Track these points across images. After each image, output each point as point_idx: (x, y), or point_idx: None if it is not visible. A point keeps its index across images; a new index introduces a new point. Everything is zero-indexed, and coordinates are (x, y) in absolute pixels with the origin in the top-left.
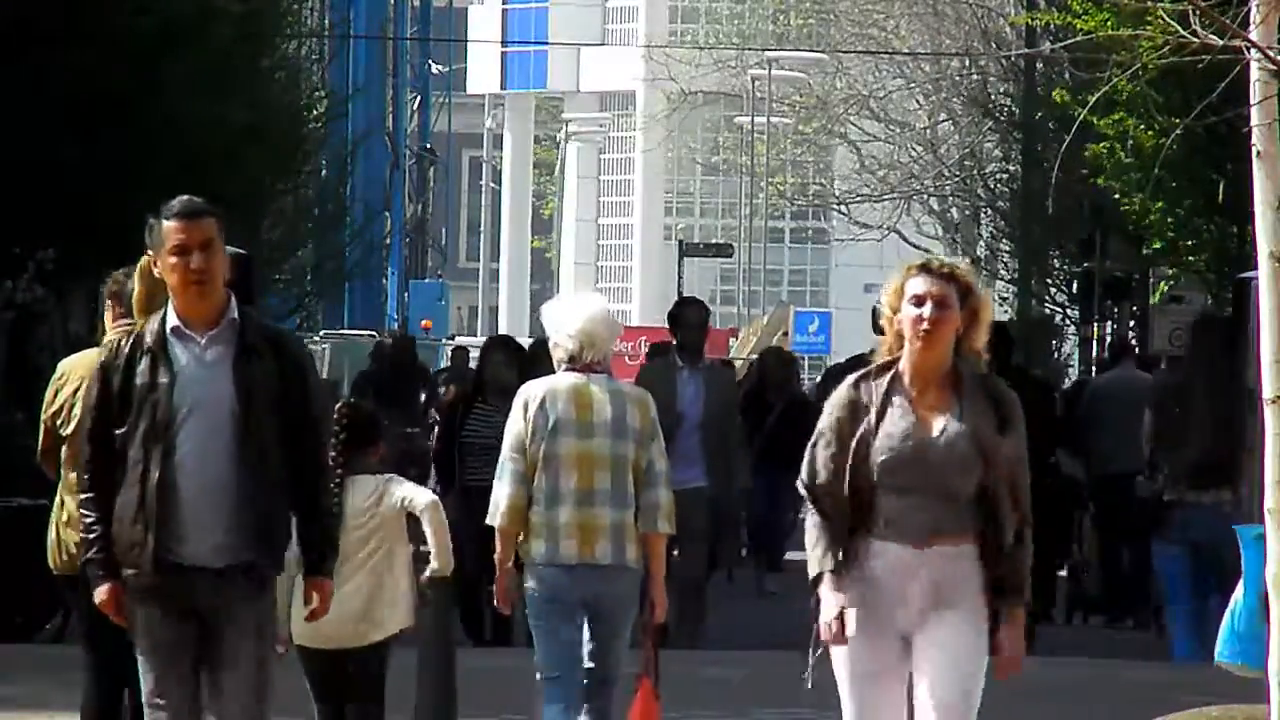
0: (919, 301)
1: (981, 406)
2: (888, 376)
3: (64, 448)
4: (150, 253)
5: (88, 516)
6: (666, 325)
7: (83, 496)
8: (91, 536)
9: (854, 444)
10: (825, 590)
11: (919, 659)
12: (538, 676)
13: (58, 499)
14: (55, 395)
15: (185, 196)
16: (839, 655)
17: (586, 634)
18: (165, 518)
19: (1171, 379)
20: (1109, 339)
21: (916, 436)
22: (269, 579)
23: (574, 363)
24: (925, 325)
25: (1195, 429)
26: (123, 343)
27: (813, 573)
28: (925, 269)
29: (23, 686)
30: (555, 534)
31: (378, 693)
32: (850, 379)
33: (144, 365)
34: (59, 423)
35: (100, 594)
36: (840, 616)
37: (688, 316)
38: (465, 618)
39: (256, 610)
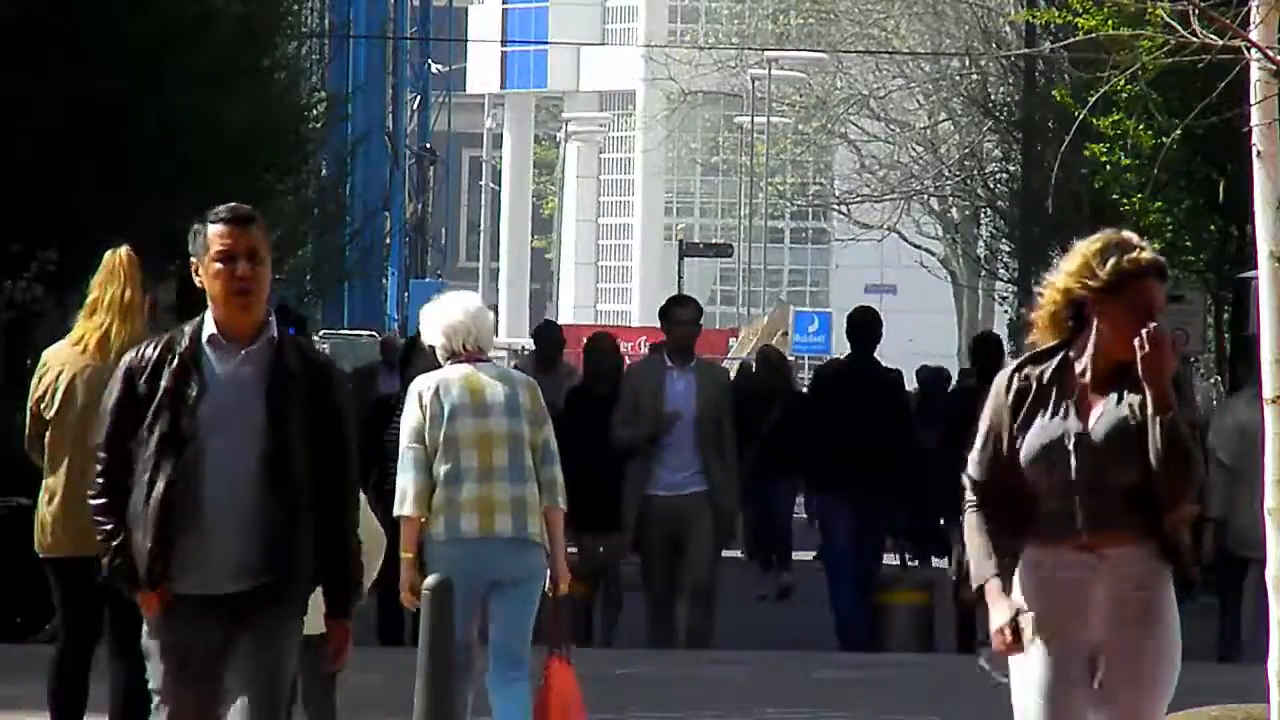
0: (1148, 311)
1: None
2: (1053, 364)
3: (47, 433)
4: (193, 259)
5: (105, 524)
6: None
7: (96, 503)
8: (113, 545)
9: (1013, 438)
10: (992, 597)
11: (1109, 681)
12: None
13: (44, 483)
14: (39, 382)
15: (233, 203)
16: (1019, 676)
17: (494, 610)
18: (175, 533)
19: None
20: None
21: (1076, 428)
22: (293, 600)
23: (455, 356)
24: (1148, 344)
25: None
26: (149, 347)
27: (975, 582)
28: (1157, 272)
29: (23, 686)
30: (456, 511)
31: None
32: (1012, 365)
33: (172, 371)
34: (43, 408)
35: (144, 604)
36: (1014, 623)
37: (678, 315)
38: (384, 621)
39: (278, 630)
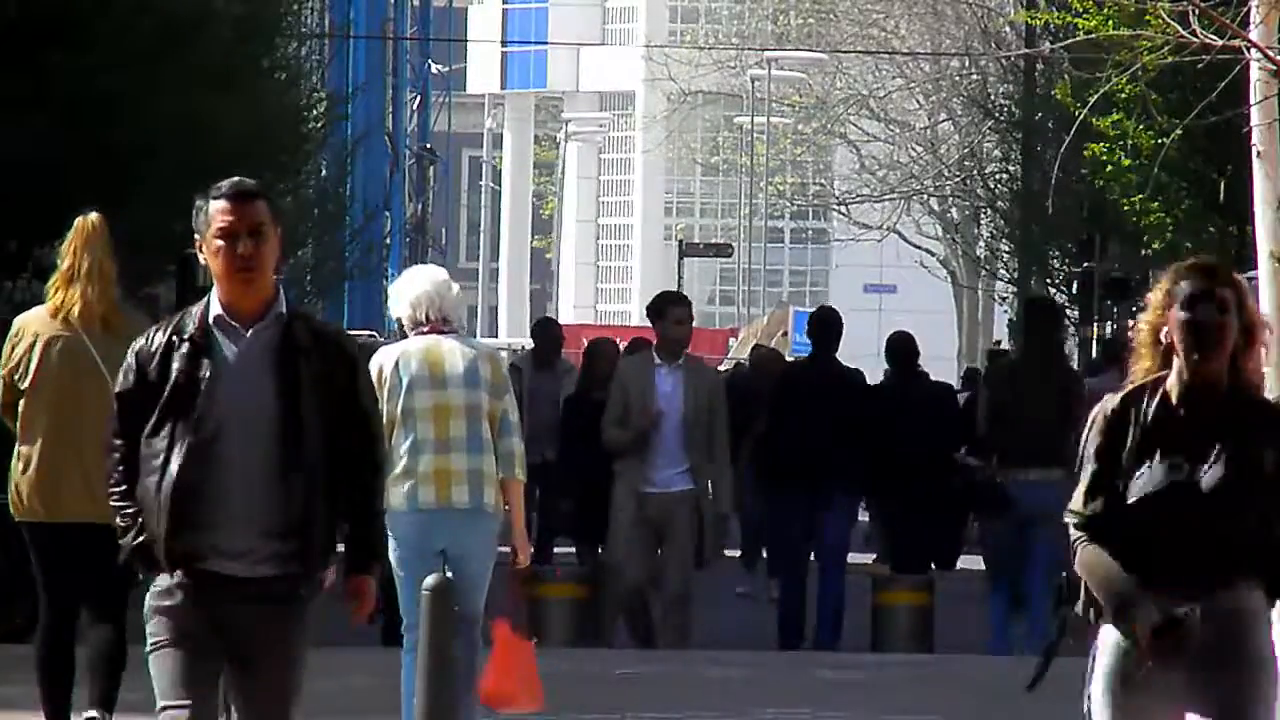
0: (1192, 303)
1: (1264, 436)
2: (1157, 397)
3: (22, 401)
4: (196, 236)
5: (126, 511)
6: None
7: (116, 492)
8: (133, 530)
9: (1121, 477)
10: (1140, 601)
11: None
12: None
13: (17, 449)
14: (12, 350)
15: (236, 178)
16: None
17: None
18: (188, 518)
19: (1005, 361)
20: (1107, 339)
21: (1183, 471)
22: (308, 591)
23: (419, 326)
24: (1198, 331)
25: (1028, 409)
26: (158, 331)
27: (1113, 598)
28: (1198, 270)
29: (23, 687)
30: (414, 481)
31: None
32: (1117, 397)
33: (182, 355)
34: (16, 377)
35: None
36: (1172, 622)
37: (676, 314)
38: (387, 624)
39: (292, 623)
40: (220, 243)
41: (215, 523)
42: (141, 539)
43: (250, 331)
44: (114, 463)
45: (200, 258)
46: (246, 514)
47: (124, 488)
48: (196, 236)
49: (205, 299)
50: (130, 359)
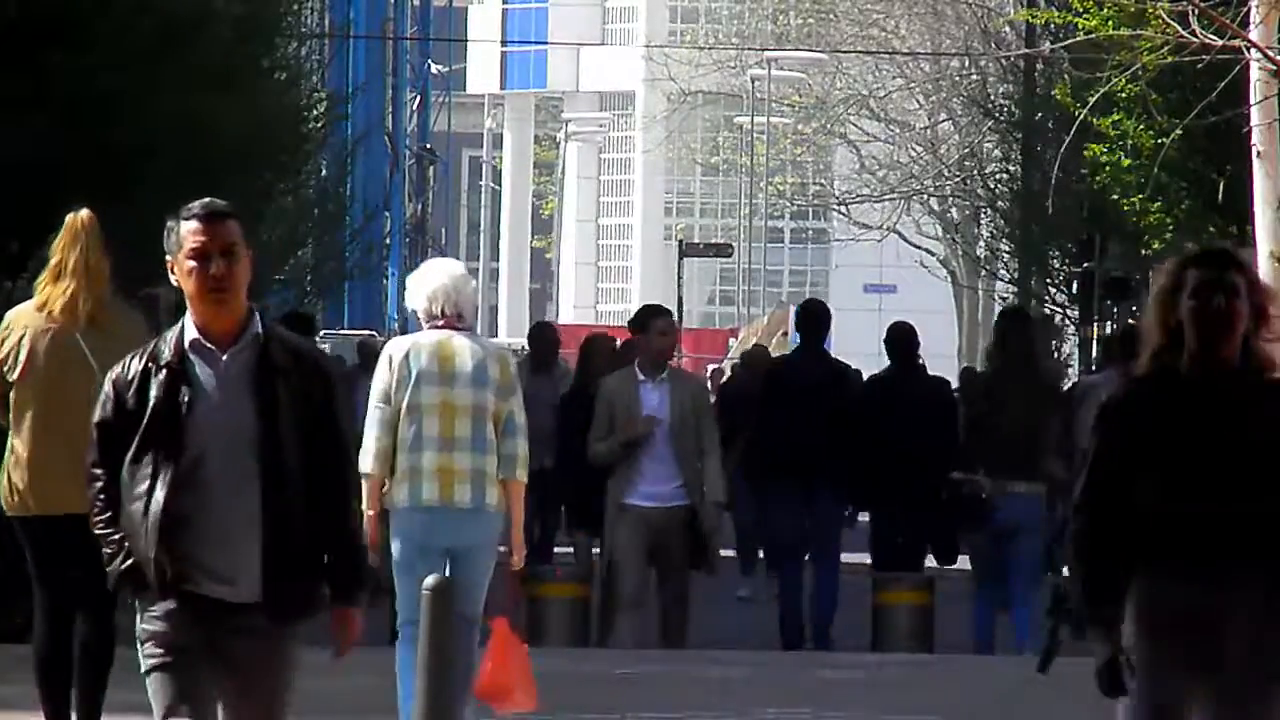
0: (1200, 290)
1: (1276, 417)
2: (1166, 383)
3: (11, 395)
4: (168, 257)
5: (111, 538)
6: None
7: (99, 520)
8: (120, 555)
9: (1132, 463)
10: (1098, 638)
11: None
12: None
13: (9, 444)
14: (2, 344)
15: (207, 198)
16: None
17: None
18: (176, 545)
19: (982, 373)
20: (1107, 338)
21: (1200, 446)
22: (293, 615)
23: (434, 320)
24: (1208, 320)
25: (1009, 422)
26: (134, 358)
27: (1091, 614)
28: (1203, 257)
29: (22, 686)
30: (418, 479)
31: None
32: (1120, 385)
33: (160, 381)
34: (5, 370)
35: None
36: (1112, 667)
37: (660, 326)
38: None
39: (280, 646)
40: (192, 263)
41: (202, 547)
42: (129, 563)
43: (227, 354)
44: (96, 491)
45: (172, 279)
46: (231, 538)
47: (108, 514)
48: (168, 258)
49: (179, 323)
50: (108, 387)
